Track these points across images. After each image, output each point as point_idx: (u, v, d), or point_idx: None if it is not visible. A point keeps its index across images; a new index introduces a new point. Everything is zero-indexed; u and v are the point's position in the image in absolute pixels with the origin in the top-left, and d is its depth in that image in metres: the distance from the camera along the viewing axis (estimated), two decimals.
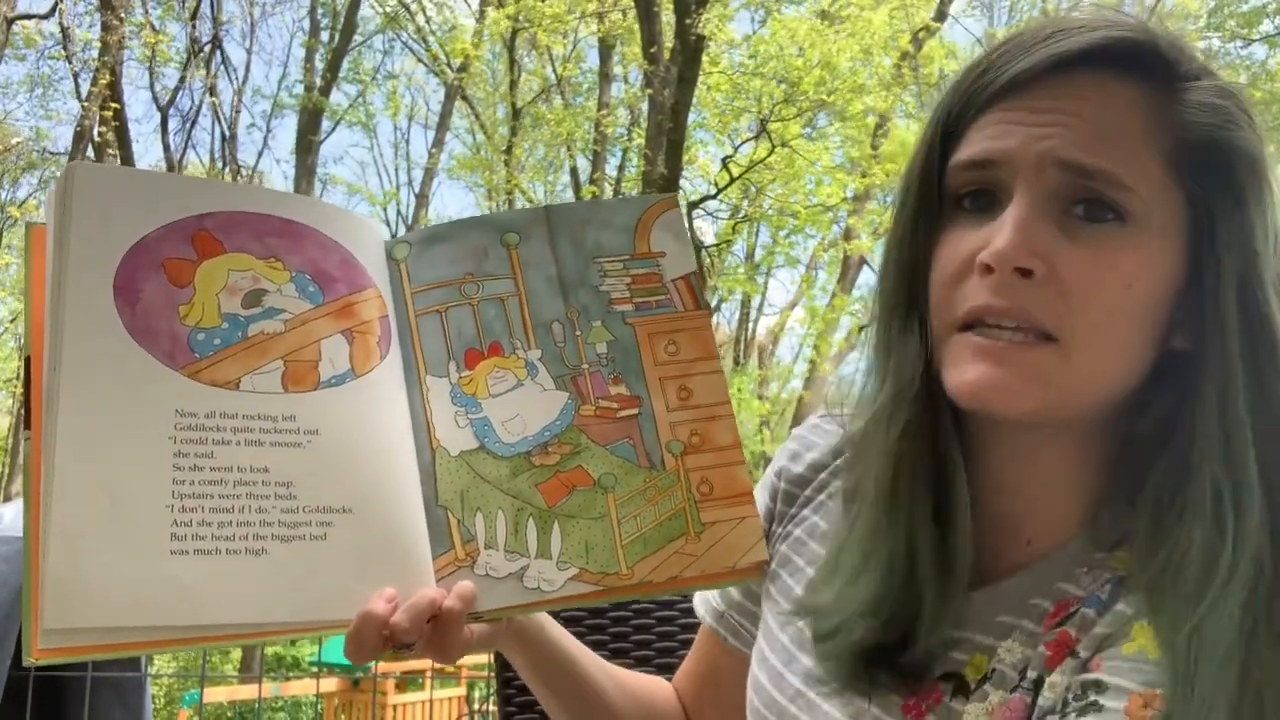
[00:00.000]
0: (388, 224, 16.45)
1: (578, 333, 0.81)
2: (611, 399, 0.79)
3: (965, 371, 0.66)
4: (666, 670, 1.04)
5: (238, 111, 14.20)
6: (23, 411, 0.68)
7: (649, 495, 0.77)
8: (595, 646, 0.95)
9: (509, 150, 13.99)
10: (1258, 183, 0.65)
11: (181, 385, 0.71)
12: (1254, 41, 11.27)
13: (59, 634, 0.63)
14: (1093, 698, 0.61)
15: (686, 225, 0.86)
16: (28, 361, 0.69)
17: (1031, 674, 0.67)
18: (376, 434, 0.76)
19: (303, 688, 8.30)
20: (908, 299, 0.72)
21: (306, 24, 15.30)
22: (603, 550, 0.75)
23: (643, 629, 1.35)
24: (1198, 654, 0.58)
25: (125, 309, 0.71)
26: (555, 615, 0.90)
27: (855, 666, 0.72)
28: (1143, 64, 0.66)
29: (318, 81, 14.47)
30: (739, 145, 12.10)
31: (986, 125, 0.67)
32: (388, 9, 14.27)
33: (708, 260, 13.20)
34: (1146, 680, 0.60)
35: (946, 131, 0.70)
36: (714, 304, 14.33)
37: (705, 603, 0.96)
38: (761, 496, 0.91)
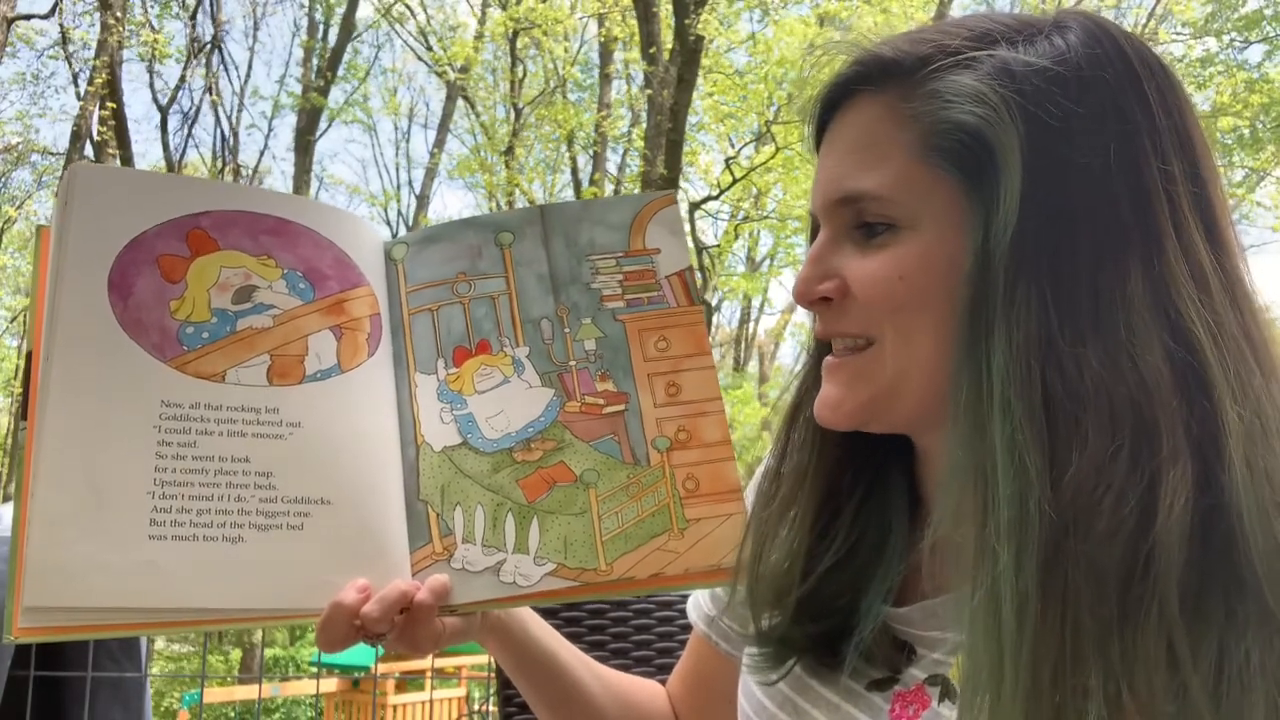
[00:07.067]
0: (389, 224, 16.48)
1: (566, 330, 0.81)
2: (598, 395, 0.80)
3: (820, 396, 0.72)
4: (666, 671, 1.02)
5: (240, 110, 14.23)
6: (22, 403, 0.71)
7: (632, 491, 0.77)
8: (594, 647, 0.94)
9: (509, 151, 13.99)
10: (1010, 151, 0.62)
11: (168, 377, 0.72)
12: (1251, 44, 11.27)
13: (38, 612, 0.65)
14: None
15: (684, 222, 0.87)
16: (29, 356, 0.70)
17: None
18: (359, 428, 0.77)
19: (302, 688, 8.31)
20: None
21: (304, 23, 15.36)
22: (582, 546, 0.75)
23: (643, 632, 1.34)
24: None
25: (118, 303, 0.73)
26: (549, 614, 0.90)
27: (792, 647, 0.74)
28: (880, 76, 0.68)
29: (315, 80, 14.48)
30: (740, 147, 12.11)
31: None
32: (383, 5, 14.26)
33: (708, 261, 13.20)
34: None
35: None
36: (715, 304, 14.33)
37: (697, 608, 0.95)
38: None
